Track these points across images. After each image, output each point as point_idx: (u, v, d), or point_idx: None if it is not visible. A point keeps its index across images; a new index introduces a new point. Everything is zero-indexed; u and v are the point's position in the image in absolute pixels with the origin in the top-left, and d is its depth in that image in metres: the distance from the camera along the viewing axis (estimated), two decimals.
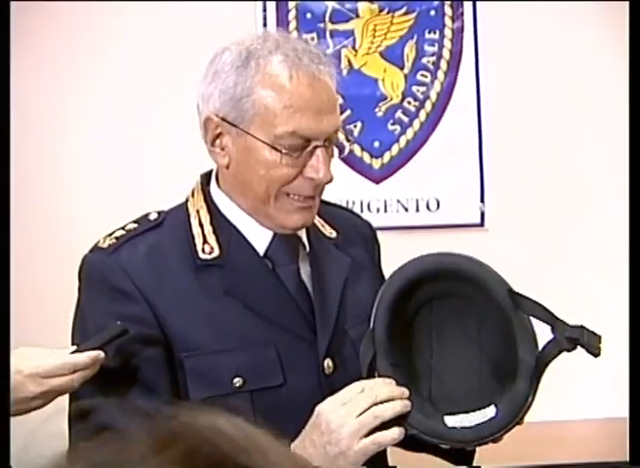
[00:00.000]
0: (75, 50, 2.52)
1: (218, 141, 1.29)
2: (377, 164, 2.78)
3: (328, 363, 1.29)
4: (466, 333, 1.23)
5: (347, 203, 2.73)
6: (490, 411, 1.18)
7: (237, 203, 1.30)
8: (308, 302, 1.29)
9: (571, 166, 2.71)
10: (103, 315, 1.23)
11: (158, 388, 1.21)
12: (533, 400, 1.18)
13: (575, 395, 2.69)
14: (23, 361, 1.16)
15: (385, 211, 2.77)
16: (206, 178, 1.36)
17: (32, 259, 2.40)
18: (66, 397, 1.24)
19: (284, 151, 1.24)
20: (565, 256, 2.65)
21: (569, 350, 1.19)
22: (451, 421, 1.18)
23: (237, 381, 1.23)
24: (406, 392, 1.16)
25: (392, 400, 1.15)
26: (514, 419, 1.19)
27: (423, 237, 2.71)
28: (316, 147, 1.26)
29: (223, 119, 1.27)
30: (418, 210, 2.76)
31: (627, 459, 1.17)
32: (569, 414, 2.66)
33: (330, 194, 2.63)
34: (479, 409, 1.18)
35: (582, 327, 1.18)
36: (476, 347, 1.22)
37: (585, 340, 1.17)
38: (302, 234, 1.34)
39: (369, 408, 1.14)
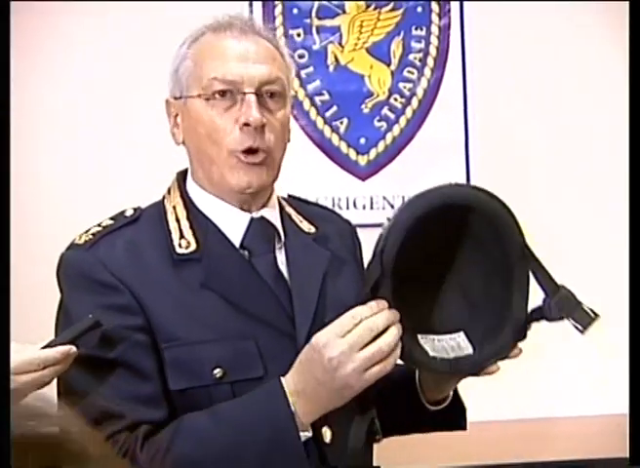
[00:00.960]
0: (66, 49, 2.58)
1: (176, 122, 1.35)
2: (363, 160, 2.81)
3: None
4: (472, 270, 1.24)
5: (333, 200, 2.76)
6: (462, 345, 1.21)
7: (208, 190, 1.31)
8: (287, 293, 1.30)
9: (561, 164, 2.76)
10: (86, 309, 1.22)
11: (149, 372, 1.23)
12: (510, 351, 1.20)
13: (572, 391, 2.74)
14: None
15: (372, 207, 2.78)
16: (182, 176, 1.37)
17: (25, 259, 2.43)
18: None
19: (211, 98, 1.27)
20: (557, 255, 2.54)
21: (553, 319, 1.20)
22: (432, 350, 1.20)
23: (217, 372, 1.23)
24: (397, 314, 1.16)
25: (390, 326, 1.14)
26: (489, 363, 1.22)
27: None
28: (245, 94, 1.27)
29: (174, 98, 1.33)
30: None
31: (625, 455, 1.17)
32: (565, 411, 2.72)
33: (316, 190, 2.75)
34: (460, 334, 1.21)
35: (579, 303, 1.19)
36: (477, 285, 1.23)
37: (575, 316, 1.18)
38: (278, 225, 1.35)
39: (371, 341, 1.13)
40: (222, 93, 1.26)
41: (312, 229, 1.39)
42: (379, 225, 2.65)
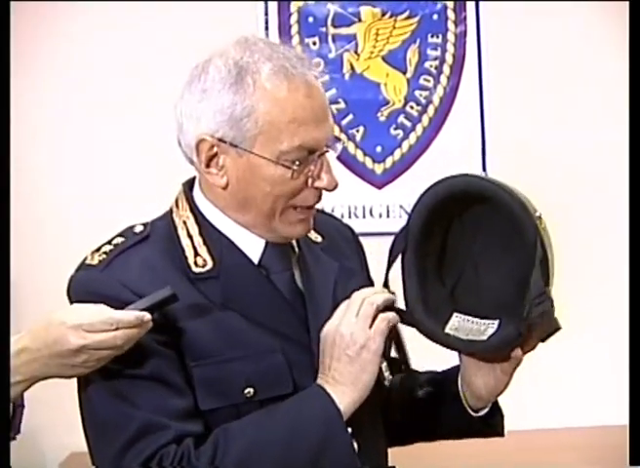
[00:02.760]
0: (64, 48, 2.60)
1: (214, 162, 1.28)
2: (379, 169, 2.87)
3: None
4: (490, 252, 1.30)
5: (349, 208, 2.82)
6: (487, 332, 1.26)
7: (231, 217, 1.31)
8: (303, 307, 1.32)
9: (576, 171, 2.82)
10: None
11: (184, 387, 1.25)
12: (516, 343, 1.25)
13: (572, 402, 2.79)
14: (69, 314, 1.17)
15: (388, 216, 2.85)
16: (189, 187, 1.36)
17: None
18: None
19: (294, 167, 1.24)
20: (566, 265, 2.66)
21: (529, 320, 1.25)
22: (451, 326, 1.27)
23: (248, 392, 1.25)
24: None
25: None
26: (500, 350, 1.27)
27: None
28: (320, 156, 1.27)
29: (220, 139, 1.26)
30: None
31: (624, 467, 1.20)
32: (566, 422, 2.77)
33: (332, 200, 2.72)
34: (483, 318, 1.26)
35: (548, 311, 1.22)
36: (496, 268, 1.29)
37: (539, 320, 1.22)
38: (293, 240, 1.34)
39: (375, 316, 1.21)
40: (301, 160, 1.25)
41: (319, 238, 1.41)
42: (395, 234, 2.70)
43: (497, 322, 1.25)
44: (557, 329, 1.22)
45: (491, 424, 1.39)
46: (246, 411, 1.22)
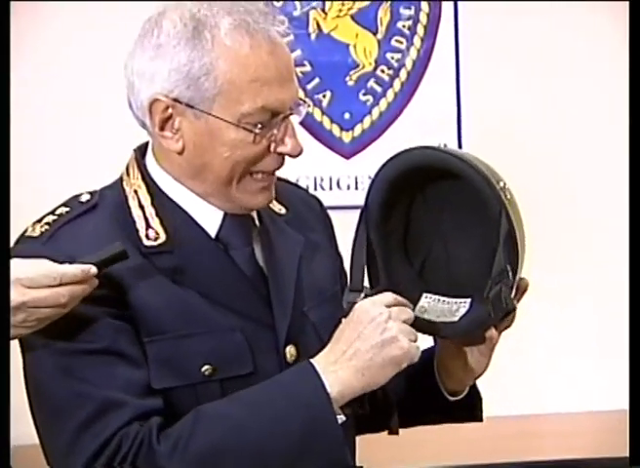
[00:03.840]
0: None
1: (168, 125, 1.25)
2: (347, 137, 2.81)
3: (290, 350, 1.30)
4: (458, 228, 1.30)
5: (315, 180, 2.76)
6: (458, 312, 1.26)
7: (186, 186, 1.29)
8: (264, 283, 1.30)
9: (556, 137, 2.79)
10: None
11: (142, 361, 1.23)
12: (494, 320, 1.24)
13: (569, 387, 2.78)
14: (11, 268, 1.12)
15: (356, 188, 2.79)
16: (141, 153, 1.33)
17: None
18: None
19: (256, 131, 1.23)
20: (555, 236, 2.71)
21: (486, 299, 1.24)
22: (420, 307, 1.27)
23: (206, 369, 1.23)
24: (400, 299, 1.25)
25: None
26: (471, 332, 1.27)
27: None
28: (283, 119, 1.25)
29: (176, 100, 1.23)
30: None
31: (625, 454, 1.21)
32: (563, 407, 2.75)
33: (296, 170, 2.71)
34: (454, 297, 1.26)
35: (503, 291, 1.22)
36: (465, 244, 1.29)
37: (495, 300, 1.23)
38: (253, 212, 1.34)
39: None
40: (264, 122, 1.23)
41: (283, 210, 1.39)
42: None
43: (468, 301, 1.26)
44: (510, 310, 1.22)
45: (469, 408, 1.40)
46: (204, 392, 1.21)
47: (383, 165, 1.28)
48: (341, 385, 1.18)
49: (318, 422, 1.16)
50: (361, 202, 2.63)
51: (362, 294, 1.24)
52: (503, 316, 1.23)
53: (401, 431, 1.37)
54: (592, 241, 2.72)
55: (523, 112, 2.76)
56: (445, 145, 1.47)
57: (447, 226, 1.30)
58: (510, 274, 1.21)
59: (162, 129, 1.25)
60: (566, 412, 2.70)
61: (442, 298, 1.29)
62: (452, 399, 1.38)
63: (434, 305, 1.29)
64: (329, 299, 1.35)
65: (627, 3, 1.36)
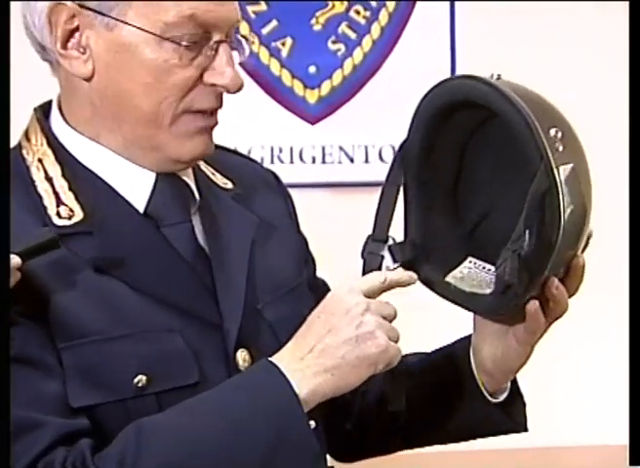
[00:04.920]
0: None
1: (74, 41, 1.23)
2: (312, 97, 2.68)
3: (243, 355, 1.26)
4: (505, 181, 1.29)
5: (272, 151, 2.66)
6: (493, 285, 1.26)
7: (103, 144, 1.26)
8: (209, 271, 1.28)
9: (556, 90, 2.63)
10: None
11: (59, 370, 1.17)
12: (526, 294, 1.23)
13: (568, 420, 2.78)
14: None
15: (324, 161, 2.68)
16: (43, 113, 1.31)
17: None
18: None
19: (184, 44, 1.20)
20: None
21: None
22: (457, 273, 1.30)
23: (140, 380, 1.19)
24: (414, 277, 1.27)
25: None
26: (498, 309, 1.26)
27: (374, 197, 2.69)
28: (219, 43, 1.23)
29: (82, 6, 1.21)
30: (367, 160, 2.66)
31: None
32: (561, 440, 2.75)
33: (247, 139, 2.65)
34: (494, 265, 1.25)
35: (510, 262, 1.20)
36: (511, 205, 1.25)
37: (500, 271, 1.21)
38: (191, 182, 1.32)
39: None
40: (194, 38, 1.22)
41: (228, 184, 1.38)
42: (332, 185, 2.79)
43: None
44: (508, 284, 1.20)
45: (510, 413, 1.38)
46: (137, 409, 1.17)
47: (424, 97, 1.26)
48: (310, 386, 1.17)
49: (288, 429, 1.15)
50: (329, 178, 2.68)
51: (386, 246, 1.27)
52: (503, 290, 1.21)
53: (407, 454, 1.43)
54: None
55: (527, 66, 2.64)
56: (498, 76, 1.24)
57: (499, 179, 1.30)
58: (526, 243, 1.18)
59: (65, 46, 1.23)
60: (563, 446, 2.75)
61: (488, 266, 1.28)
62: (494, 400, 1.36)
63: (475, 273, 1.29)
64: (289, 294, 1.34)
65: (627, 3, 1.43)
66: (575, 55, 2.79)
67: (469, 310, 1.29)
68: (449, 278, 1.28)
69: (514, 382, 1.37)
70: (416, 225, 1.29)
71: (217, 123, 1.27)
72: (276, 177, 1.48)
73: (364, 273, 1.26)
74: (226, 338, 1.25)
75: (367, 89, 2.67)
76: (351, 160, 2.66)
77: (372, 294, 1.21)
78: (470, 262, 1.30)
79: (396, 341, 1.20)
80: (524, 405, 1.40)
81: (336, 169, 2.66)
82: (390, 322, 1.20)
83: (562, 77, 2.74)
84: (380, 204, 1.29)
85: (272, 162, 2.65)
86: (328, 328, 1.18)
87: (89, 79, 1.22)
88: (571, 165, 1.19)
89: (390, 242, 1.27)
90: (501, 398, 1.36)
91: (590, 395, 2.79)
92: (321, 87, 2.67)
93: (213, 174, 1.38)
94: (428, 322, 2.31)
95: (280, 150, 2.66)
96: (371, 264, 1.27)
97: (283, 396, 1.16)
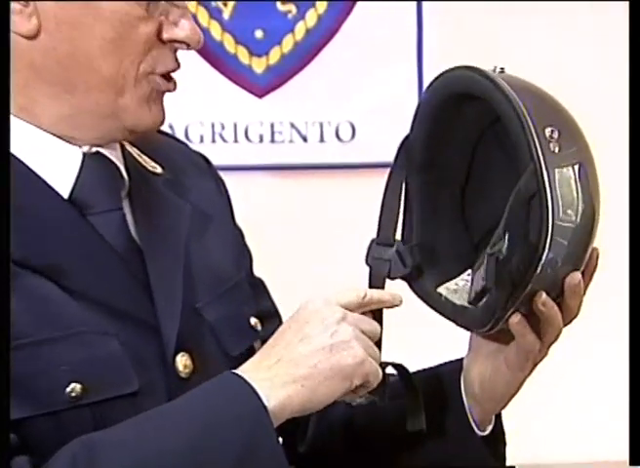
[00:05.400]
0: None
1: None
2: (259, 66, 2.61)
3: (183, 360, 1.20)
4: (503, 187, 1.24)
5: (212, 127, 2.59)
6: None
7: (35, 109, 1.20)
8: (142, 266, 1.24)
9: (532, 63, 2.54)
10: None
11: None
12: (510, 309, 1.19)
13: (567, 435, 2.77)
14: None
15: (272, 140, 2.60)
16: None
17: None
18: None
19: None
20: None
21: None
22: (452, 284, 1.29)
23: (73, 389, 1.12)
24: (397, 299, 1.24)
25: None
26: (485, 323, 1.21)
27: (330, 181, 2.60)
28: (171, 3, 1.22)
29: None
30: (322, 139, 2.58)
31: None
32: (560, 457, 2.74)
33: (184, 114, 2.53)
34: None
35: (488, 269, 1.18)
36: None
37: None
38: (121, 165, 1.28)
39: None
40: None
41: (157, 168, 1.34)
42: (282, 168, 2.69)
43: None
44: (484, 289, 1.19)
45: (491, 444, 1.34)
46: (70, 421, 1.13)
47: (426, 89, 1.26)
48: (279, 397, 1.12)
49: (256, 444, 1.11)
50: (279, 159, 2.62)
51: (393, 249, 1.26)
52: (480, 294, 1.19)
53: None
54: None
55: (511, 36, 2.67)
56: (501, 70, 1.19)
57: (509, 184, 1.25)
58: (505, 246, 1.16)
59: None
60: (562, 462, 2.76)
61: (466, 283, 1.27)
62: (480, 433, 1.33)
63: (470, 287, 1.27)
64: (230, 292, 1.29)
65: (627, 3, 1.49)
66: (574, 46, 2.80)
67: (457, 324, 1.28)
68: (441, 289, 1.28)
69: (498, 416, 1.36)
70: (421, 228, 1.29)
71: (175, 87, 1.26)
72: (207, 161, 1.46)
73: (370, 281, 1.27)
74: (165, 342, 1.22)
75: (322, 56, 2.62)
76: (304, 139, 2.58)
77: (349, 309, 1.19)
78: (469, 275, 1.29)
79: (375, 359, 1.17)
80: (504, 444, 1.38)
81: (286, 149, 2.60)
82: (372, 340, 1.18)
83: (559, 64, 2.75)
84: (383, 203, 1.28)
85: (213, 140, 2.58)
86: (300, 336, 1.16)
87: (32, 37, 1.18)
88: (570, 168, 1.17)
89: (397, 246, 1.27)
90: (487, 431, 1.34)
91: (590, 409, 2.82)
92: (269, 54, 2.62)
93: (139, 155, 1.34)
94: (433, 337, 2.30)
95: (222, 127, 2.60)
96: (379, 270, 1.27)
97: (250, 407, 1.12)
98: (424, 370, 1.40)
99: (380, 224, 1.29)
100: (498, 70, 1.19)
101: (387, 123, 2.55)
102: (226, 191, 1.45)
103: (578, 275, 1.20)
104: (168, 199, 1.33)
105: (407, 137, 1.28)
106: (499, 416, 1.35)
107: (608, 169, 2.79)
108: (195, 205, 1.35)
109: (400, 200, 1.29)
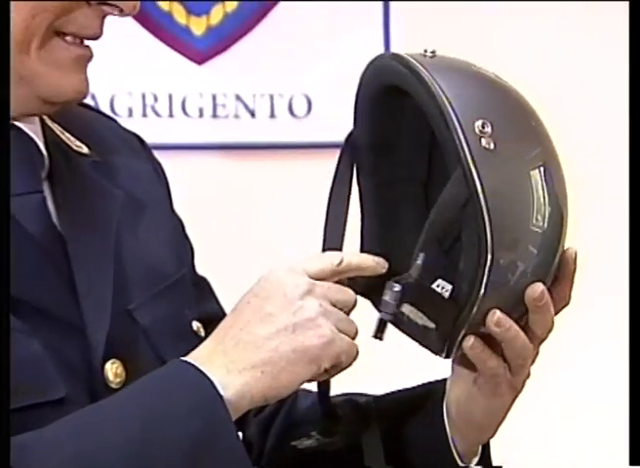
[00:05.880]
0: None
1: None
2: (199, 27, 2.51)
3: (114, 369, 1.13)
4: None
5: (143, 98, 2.45)
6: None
7: None
8: (65, 258, 1.17)
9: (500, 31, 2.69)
10: None
11: None
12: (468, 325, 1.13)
13: (566, 448, 2.71)
14: None
15: (215, 114, 2.49)
16: None
17: None
18: None
19: None
20: None
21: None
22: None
23: None
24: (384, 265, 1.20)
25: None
26: (438, 352, 1.14)
27: (282, 163, 2.50)
28: None
29: None
30: (273, 114, 2.48)
31: None
32: (563, 456, 2.70)
33: (111, 84, 2.59)
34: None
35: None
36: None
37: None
38: (39, 140, 1.21)
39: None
40: None
41: (83, 148, 1.26)
42: (228, 146, 2.60)
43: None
44: (383, 320, 1.12)
45: None
46: None
47: (362, 75, 1.18)
48: (236, 385, 1.07)
49: (211, 438, 1.05)
50: (221, 138, 2.53)
51: None
52: (377, 327, 1.11)
53: None
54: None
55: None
56: (432, 53, 1.10)
57: None
58: (419, 271, 1.10)
59: None
60: None
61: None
62: (461, 464, 1.27)
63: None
64: (168, 292, 1.22)
65: (627, 3, 1.54)
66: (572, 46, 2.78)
67: (424, 347, 1.23)
68: (405, 307, 1.17)
69: (486, 447, 1.29)
70: (376, 238, 1.22)
71: (92, 56, 1.18)
72: (141, 141, 1.38)
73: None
74: (92, 347, 1.16)
75: (273, 17, 2.52)
76: (252, 113, 2.48)
77: (321, 278, 1.13)
78: (438, 286, 1.17)
79: (352, 336, 1.12)
80: None
81: (231, 125, 2.50)
82: (346, 313, 1.13)
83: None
84: (328, 211, 1.20)
85: (144, 114, 2.46)
86: (259, 316, 1.11)
87: None
88: (507, 169, 1.10)
89: None
90: (472, 463, 1.29)
91: (590, 409, 2.75)
92: (210, 13, 2.53)
93: (62, 133, 1.26)
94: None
95: (155, 99, 2.49)
96: None
97: (203, 397, 1.07)
98: (410, 388, 1.33)
99: (325, 236, 1.21)
100: (428, 54, 1.11)
101: (349, 97, 2.49)
102: (164, 175, 1.38)
103: (538, 286, 1.13)
104: (96, 183, 1.26)
105: (351, 134, 1.21)
106: (486, 447, 1.30)
107: (608, 169, 2.81)
108: (128, 191, 1.29)
109: (348, 207, 1.21)
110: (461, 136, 1.10)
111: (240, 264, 2.45)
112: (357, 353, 1.14)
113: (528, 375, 1.21)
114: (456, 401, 1.26)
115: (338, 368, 1.13)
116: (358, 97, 1.21)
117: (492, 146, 1.10)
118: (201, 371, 1.09)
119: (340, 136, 2.36)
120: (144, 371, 1.14)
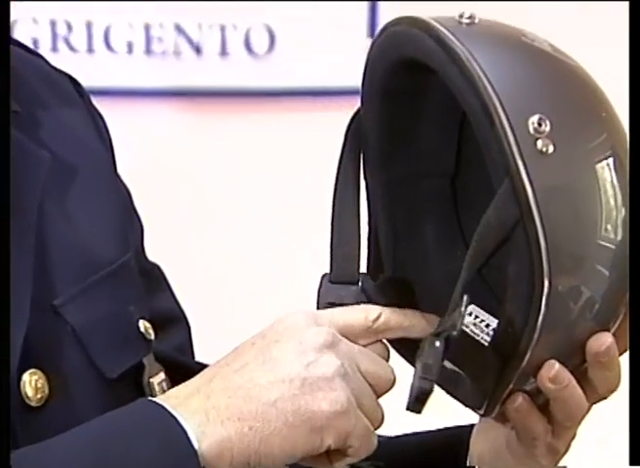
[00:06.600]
0: None
1: None
2: None
3: (34, 382, 1.01)
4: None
5: (54, 26, 2.16)
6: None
7: None
8: None
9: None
10: None
11: None
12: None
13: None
14: None
15: (148, 50, 2.22)
16: None
17: None
18: None
19: None
20: None
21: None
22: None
23: None
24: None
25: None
26: (481, 410, 0.99)
27: (237, 116, 2.24)
28: None
29: None
30: (224, 51, 2.21)
31: None
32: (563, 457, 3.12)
33: (13, 5, 2.61)
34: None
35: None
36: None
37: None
38: None
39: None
40: None
41: None
42: (164, 93, 2.35)
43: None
44: (421, 392, 0.97)
45: None
46: None
47: (374, 40, 1.04)
48: (216, 438, 0.93)
49: None
50: (159, 81, 2.37)
51: (357, 288, 1.05)
52: (415, 399, 0.94)
53: None
54: None
55: None
56: (469, 19, 0.89)
57: None
58: (462, 319, 0.96)
59: None
60: None
61: (493, 322, 1.01)
62: None
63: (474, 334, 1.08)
64: (106, 282, 1.09)
65: (627, 3, 1.26)
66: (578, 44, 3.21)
67: (454, 398, 1.05)
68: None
69: None
70: (397, 251, 1.06)
71: None
72: (76, 84, 1.20)
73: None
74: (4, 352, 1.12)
75: None
76: (197, 50, 2.24)
77: (348, 336, 0.99)
78: (471, 315, 1.00)
79: (374, 427, 0.96)
80: None
81: (169, 64, 2.25)
82: (376, 391, 0.95)
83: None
84: (333, 218, 1.04)
85: (54, 48, 2.17)
86: (262, 359, 0.96)
87: None
88: (569, 177, 0.92)
89: (364, 282, 1.03)
90: None
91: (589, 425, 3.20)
92: None
93: None
94: None
95: (69, 28, 2.21)
96: None
97: (171, 450, 0.92)
98: (435, 431, 1.18)
99: (332, 253, 1.06)
100: (465, 21, 0.95)
101: (324, 29, 2.29)
102: (107, 130, 1.22)
103: (606, 337, 0.96)
104: (15, 142, 1.09)
105: (357, 113, 1.06)
106: None
107: None
108: (56, 152, 1.14)
109: (359, 211, 1.07)
110: (511, 139, 0.94)
111: (201, 248, 2.30)
112: (373, 446, 0.98)
113: (573, 437, 1.06)
114: (479, 456, 1.14)
115: (342, 455, 0.96)
116: (367, 71, 1.06)
117: (550, 149, 0.94)
118: (172, 417, 0.94)
119: (313, 81, 1.96)
120: (74, 385, 1.06)
